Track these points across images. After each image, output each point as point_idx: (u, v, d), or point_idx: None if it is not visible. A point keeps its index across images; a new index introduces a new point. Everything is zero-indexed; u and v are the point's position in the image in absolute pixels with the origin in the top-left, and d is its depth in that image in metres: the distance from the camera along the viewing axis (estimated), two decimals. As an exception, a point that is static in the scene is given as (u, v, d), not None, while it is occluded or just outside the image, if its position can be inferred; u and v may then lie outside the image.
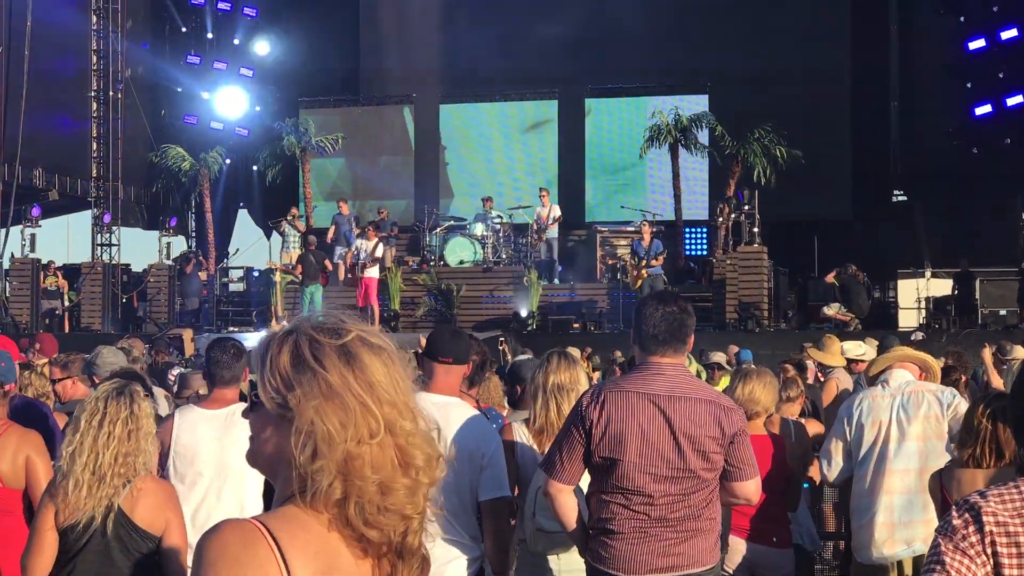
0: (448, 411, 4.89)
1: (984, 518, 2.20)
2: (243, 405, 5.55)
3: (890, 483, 6.18)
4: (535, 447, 5.45)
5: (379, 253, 23.26)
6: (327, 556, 1.96)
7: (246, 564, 1.89)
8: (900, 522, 6.15)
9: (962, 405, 6.15)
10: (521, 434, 5.55)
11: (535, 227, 25.08)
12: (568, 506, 4.68)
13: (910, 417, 6.21)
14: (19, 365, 6.93)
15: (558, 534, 5.03)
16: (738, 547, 6.35)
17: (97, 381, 6.79)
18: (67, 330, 25.51)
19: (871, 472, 6.25)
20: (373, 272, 22.94)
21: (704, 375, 11.11)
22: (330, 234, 26.53)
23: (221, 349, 5.55)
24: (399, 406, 2.00)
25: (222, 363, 5.51)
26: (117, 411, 4.36)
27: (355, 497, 1.95)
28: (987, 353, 11.11)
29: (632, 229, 24.65)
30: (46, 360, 8.30)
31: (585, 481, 4.83)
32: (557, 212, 25.33)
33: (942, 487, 5.14)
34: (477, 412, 5.13)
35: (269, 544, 1.91)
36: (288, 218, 26.23)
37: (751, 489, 4.73)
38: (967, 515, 2.22)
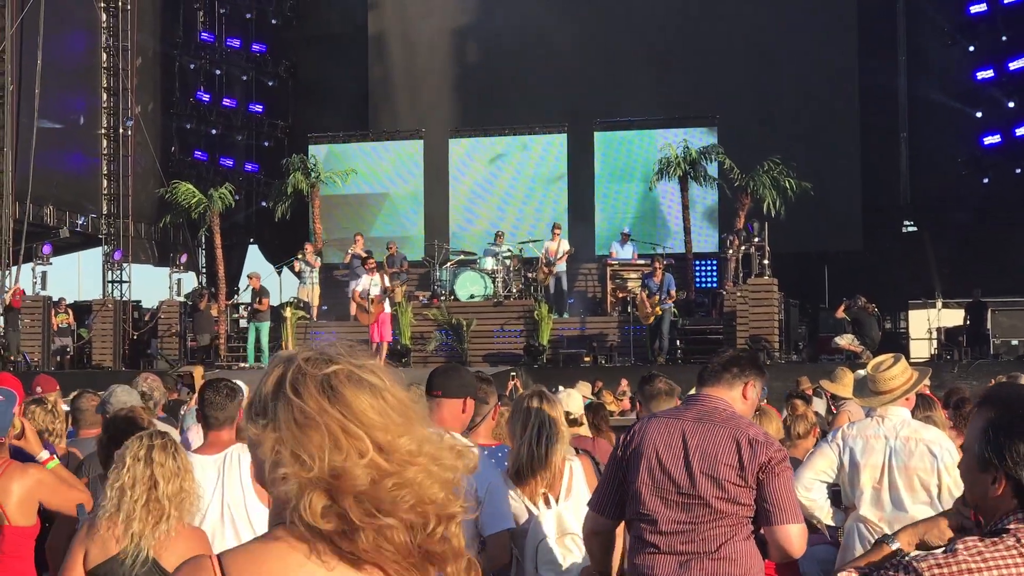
0: None
1: None
2: (240, 446, 5.47)
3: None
4: (518, 493, 5.09)
5: (387, 285, 23.19)
6: None
7: None
8: None
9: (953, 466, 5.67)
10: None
11: (543, 261, 25.04)
12: (599, 543, 4.50)
13: (905, 465, 5.79)
14: (31, 401, 6.91)
15: None
16: None
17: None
18: (78, 368, 25.51)
19: (887, 519, 5.75)
20: (385, 307, 22.91)
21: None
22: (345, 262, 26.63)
23: (214, 390, 5.42)
24: (391, 428, 2.00)
25: (215, 404, 5.37)
26: (164, 455, 4.36)
27: (342, 507, 1.96)
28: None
29: (643, 263, 24.62)
30: (54, 395, 8.22)
31: None
32: (567, 247, 25.29)
33: None
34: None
35: (215, 572, 2.00)
36: (300, 256, 26.15)
37: (788, 536, 4.21)
38: None
